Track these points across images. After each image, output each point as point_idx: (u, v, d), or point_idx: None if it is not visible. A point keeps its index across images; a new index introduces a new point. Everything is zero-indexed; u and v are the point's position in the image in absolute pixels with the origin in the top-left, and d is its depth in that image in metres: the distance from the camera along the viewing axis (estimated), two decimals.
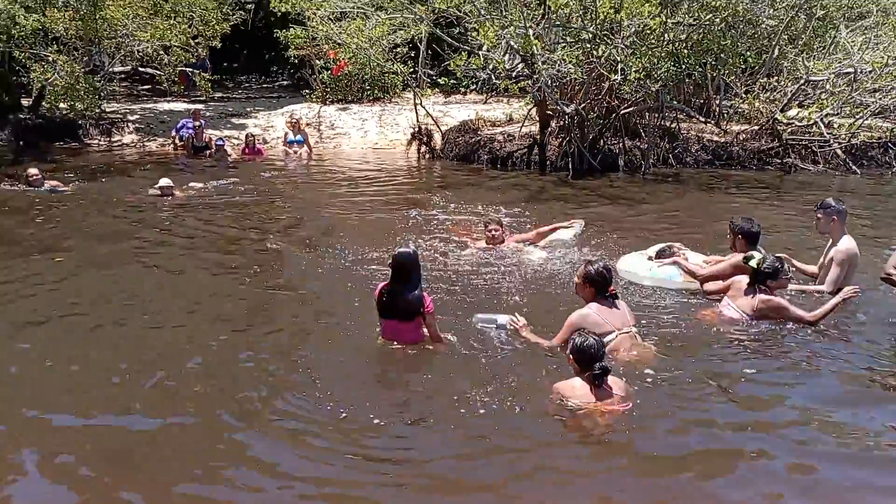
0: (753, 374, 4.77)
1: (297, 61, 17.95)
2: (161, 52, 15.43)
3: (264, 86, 22.74)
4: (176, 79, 16.36)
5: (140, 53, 15.65)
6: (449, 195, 10.55)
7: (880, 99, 12.73)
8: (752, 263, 5.48)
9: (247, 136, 14.39)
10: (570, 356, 4.30)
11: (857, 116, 13.03)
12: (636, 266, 6.59)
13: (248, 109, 17.25)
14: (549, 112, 12.71)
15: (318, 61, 16.84)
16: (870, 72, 12.42)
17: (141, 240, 8.15)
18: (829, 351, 5.13)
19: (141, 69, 18.12)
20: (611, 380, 4.23)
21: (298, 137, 14.57)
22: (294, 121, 14.90)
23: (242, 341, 5.31)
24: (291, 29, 15.86)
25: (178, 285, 6.66)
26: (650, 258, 6.63)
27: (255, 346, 5.20)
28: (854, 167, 12.62)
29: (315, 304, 6.15)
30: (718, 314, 5.67)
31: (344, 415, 4.20)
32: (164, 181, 10.35)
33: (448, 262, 7.14)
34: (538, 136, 13.01)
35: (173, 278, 6.87)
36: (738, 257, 5.81)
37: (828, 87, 13.12)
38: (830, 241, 5.98)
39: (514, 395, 4.41)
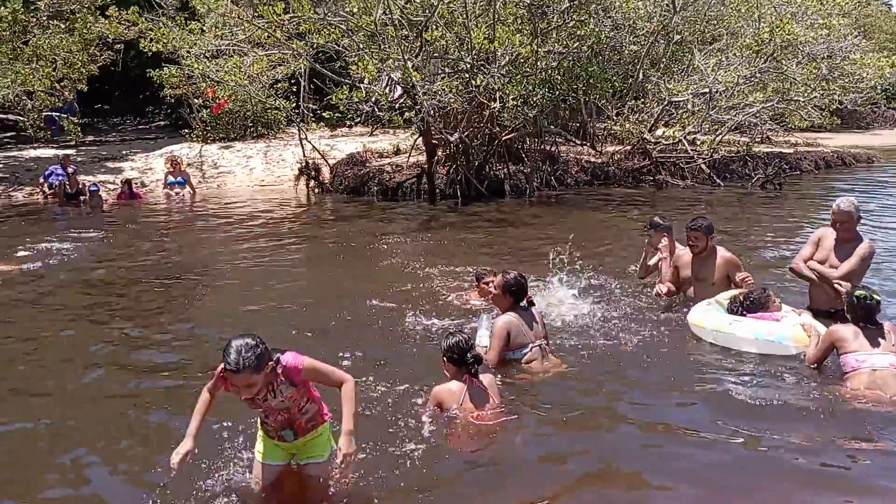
0: None
1: (173, 101, 17.43)
2: (24, 98, 14.56)
3: (140, 127, 21.88)
4: (42, 124, 15.48)
5: (1, 100, 14.68)
6: (342, 229, 10.49)
7: (735, 116, 13.81)
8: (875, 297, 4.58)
9: (123, 180, 13.80)
10: (444, 359, 4.34)
11: (717, 133, 14.10)
12: (718, 322, 5.23)
13: (124, 152, 16.53)
14: (434, 141, 12.96)
15: (196, 100, 16.42)
16: (724, 91, 13.48)
17: None
18: None
19: (1, 115, 17.00)
20: (483, 379, 4.32)
21: (179, 179, 14.10)
22: (173, 161, 14.42)
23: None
24: (165, 68, 15.41)
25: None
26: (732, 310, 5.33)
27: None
28: (718, 180, 13.60)
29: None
30: (864, 374, 4.40)
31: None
32: None
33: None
34: (426, 166, 13.23)
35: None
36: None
37: (688, 106, 14.11)
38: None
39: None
